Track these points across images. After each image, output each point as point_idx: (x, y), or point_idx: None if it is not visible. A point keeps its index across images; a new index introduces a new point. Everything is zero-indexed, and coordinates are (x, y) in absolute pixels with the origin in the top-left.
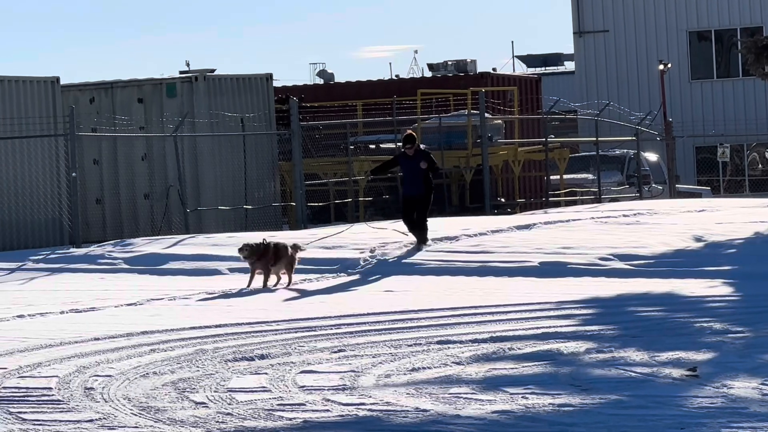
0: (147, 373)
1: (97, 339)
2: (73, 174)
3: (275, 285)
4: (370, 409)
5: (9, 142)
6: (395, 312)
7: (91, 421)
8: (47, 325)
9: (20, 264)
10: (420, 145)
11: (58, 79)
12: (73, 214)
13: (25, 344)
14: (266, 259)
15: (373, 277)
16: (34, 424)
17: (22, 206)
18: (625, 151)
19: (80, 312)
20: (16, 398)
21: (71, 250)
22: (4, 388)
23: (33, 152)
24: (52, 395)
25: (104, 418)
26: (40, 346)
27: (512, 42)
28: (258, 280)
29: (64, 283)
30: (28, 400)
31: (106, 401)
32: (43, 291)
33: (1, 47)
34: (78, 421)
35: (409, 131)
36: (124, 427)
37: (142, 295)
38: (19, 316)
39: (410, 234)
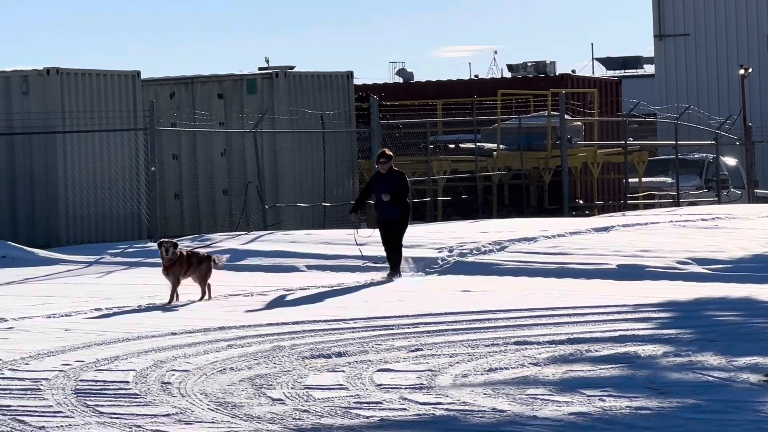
0: (224, 369)
1: (174, 334)
2: (152, 168)
3: (200, 299)
4: (447, 409)
5: (89, 136)
6: (473, 312)
7: (168, 415)
8: (124, 318)
9: (98, 257)
10: (394, 167)
11: (138, 73)
12: (151, 209)
13: (103, 338)
14: (179, 267)
15: (451, 277)
16: (111, 418)
17: (101, 200)
18: (704, 155)
19: (157, 306)
20: (94, 391)
21: (149, 244)
22: (82, 381)
23: (113, 146)
24: (129, 389)
25: (181, 413)
26: (117, 340)
27: (592, 44)
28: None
29: (142, 277)
30: (105, 394)
31: (182, 396)
32: (121, 285)
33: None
34: (155, 416)
35: (385, 149)
36: (201, 422)
37: (220, 290)
38: (96, 309)
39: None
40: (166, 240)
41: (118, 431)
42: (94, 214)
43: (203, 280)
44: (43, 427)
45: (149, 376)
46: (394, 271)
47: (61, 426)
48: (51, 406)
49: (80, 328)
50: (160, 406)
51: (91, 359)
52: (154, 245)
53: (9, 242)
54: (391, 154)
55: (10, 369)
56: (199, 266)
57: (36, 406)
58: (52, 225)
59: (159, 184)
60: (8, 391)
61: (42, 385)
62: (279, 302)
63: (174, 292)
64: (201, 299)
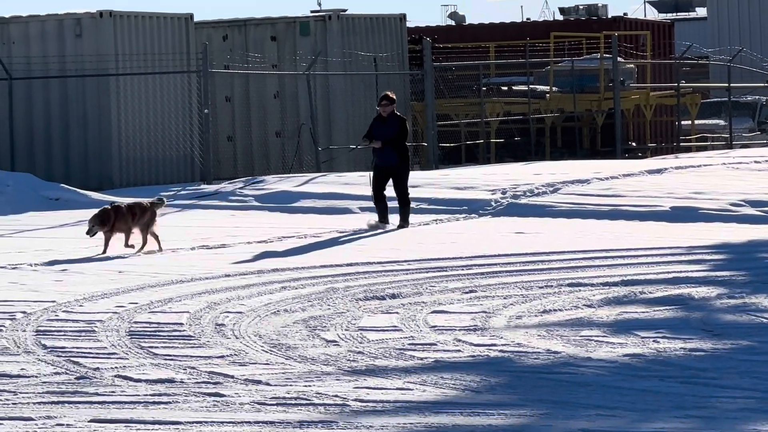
0: (278, 311)
1: (228, 276)
2: (206, 111)
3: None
4: (501, 350)
5: (142, 78)
6: (526, 254)
7: (222, 357)
8: (178, 260)
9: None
10: (396, 111)
11: (191, 15)
12: (204, 151)
13: (156, 279)
14: (122, 223)
15: (504, 219)
16: (165, 359)
17: (155, 143)
18: (757, 97)
19: (211, 248)
20: (148, 333)
21: (202, 186)
22: (136, 322)
23: (166, 89)
24: (183, 331)
25: (235, 354)
26: (171, 282)
27: None
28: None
29: (195, 220)
30: (159, 335)
31: (236, 338)
32: (174, 227)
33: None
34: (209, 357)
35: (388, 92)
36: (255, 363)
37: (273, 232)
38: (149, 253)
39: (376, 216)
40: (94, 215)
41: (172, 372)
42: (147, 157)
43: (145, 230)
44: (98, 368)
45: (203, 317)
46: (405, 221)
47: (116, 367)
48: (105, 347)
49: (134, 270)
50: (214, 347)
51: (144, 301)
52: (207, 187)
53: (62, 185)
54: (393, 97)
55: (64, 311)
56: (142, 216)
57: (90, 348)
58: (105, 167)
59: (212, 127)
60: (63, 333)
61: (96, 326)
62: (332, 243)
63: (127, 241)
64: (141, 249)
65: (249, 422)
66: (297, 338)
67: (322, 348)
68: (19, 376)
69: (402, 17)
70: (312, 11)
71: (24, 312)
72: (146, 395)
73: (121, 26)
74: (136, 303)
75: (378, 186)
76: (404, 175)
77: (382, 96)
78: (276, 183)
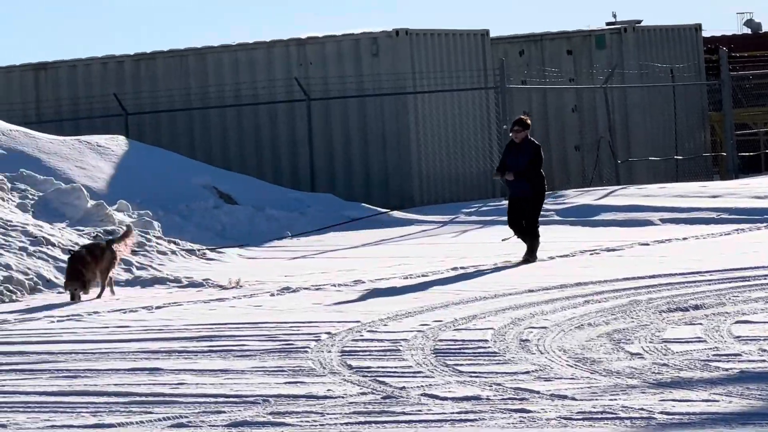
0: (581, 325)
1: (531, 291)
2: (504, 126)
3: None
4: None
5: (440, 96)
6: None
7: (527, 372)
8: (482, 277)
9: (452, 217)
10: (531, 137)
11: (487, 31)
12: None
13: (460, 297)
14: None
15: None
16: (471, 376)
17: (454, 159)
18: None
19: (512, 265)
20: (453, 350)
21: (503, 201)
22: (441, 340)
23: (464, 105)
24: (488, 347)
25: (540, 370)
26: (475, 299)
27: None
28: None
29: (496, 236)
30: (465, 353)
31: (541, 353)
32: (476, 243)
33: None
34: (514, 373)
35: (522, 116)
36: (560, 378)
37: (575, 246)
38: (452, 269)
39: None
40: (68, 282)
41: (478, 390)
42: (447, 174)
43: (104, 275)
44: (404, 387)
45: (507, 333)
46: (531, 254)
47: (422, 386)
48: (411, 366)
49: (438, 288)
50: (519, 363)
51: (449, 319)
52: (507, 203)
53: (363, 204)
54: (528, 122)
55: (368, 330)
56: (102, 259)
57: (396, 367)
58: (406, 185)
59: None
60: (368, 353)
61: (401, 345)
62: (634, 256)
63: (102, 287)
64: (99, 296)
65: None
66: (601, 352)
67: (626, 361)
68: (325, 397)
69: (697, 27)
70: (607, 23)
71: (328, 333)
72: (452, 413)
73: (417, 44)
74: (440, 321)
75: (513, 219)
76: (537, 206)
77: (515, 120)
78: (576, 196)
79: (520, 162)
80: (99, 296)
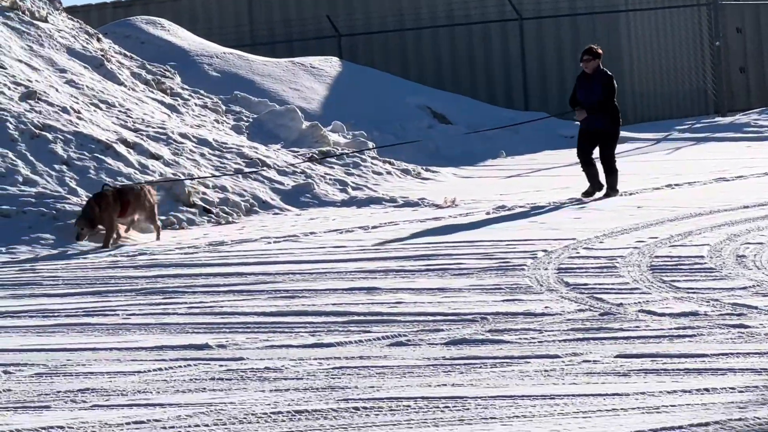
0: None
1: (746, 207)
2: (717, 43)
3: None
4: None
5: (652, 13)
6: None
7: (744, 288)
8: (695, 194)
9: (666, 134)
10: (602, 67)
11: None
12: (716, 83)
13: (675, 213)
14: (108, 215)
15: None
16: (688, 292)
17: (666, 77)
18: None
19: (728, 180)
20: (669, 266)
21: (716, 119)
22: (657, 257)
23: (675, 23)
24: (704, 263)
25: (758, 285)
26: (690, 215)
27: None
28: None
29: (710, 152)
30: (681, 269)
31: (758, 268)
32: (690, 160)
33: None
34: (731, 289)
35: (591, 45)
36: None
37: None
38: (667, 186)
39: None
40: (79, 218)
41: (695, 305)
42: (660, 92)
43: (152, 216)
44: (621, 303)
45: (723, 249)
46: (611, 189)
47: (639, 302)
48: (627, 282)
49: (653, 204)
50: (736, 279)
51: (664, 235)
52: (721, 119)
53: (576, 122)
54: (599, 51)
55: (584, 248)
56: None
57: (612, 284)
58: (619, 103)
59: (724, 59)
60: (584, 270)
61: (617, 262)
62: None
63: (108, 237)
64: (157, 237)
65: None
66: None
67: None
68: (543, 314)
69: None
70: None
71: (545, 250)
72: (670, 329)
73: None
74: (656, 237)
75: (582, 150)
76: (613, 138)
77: (585, 50)
78: None
79: (593, 94)
80: (157, 238)
